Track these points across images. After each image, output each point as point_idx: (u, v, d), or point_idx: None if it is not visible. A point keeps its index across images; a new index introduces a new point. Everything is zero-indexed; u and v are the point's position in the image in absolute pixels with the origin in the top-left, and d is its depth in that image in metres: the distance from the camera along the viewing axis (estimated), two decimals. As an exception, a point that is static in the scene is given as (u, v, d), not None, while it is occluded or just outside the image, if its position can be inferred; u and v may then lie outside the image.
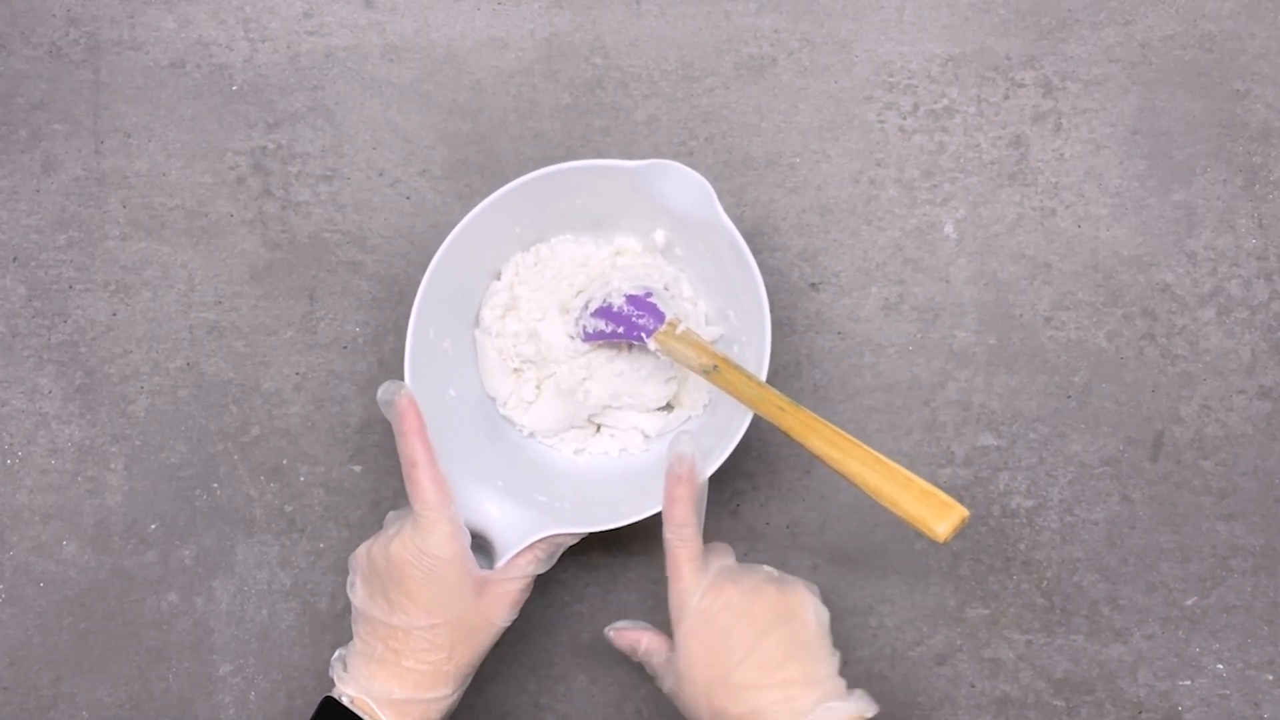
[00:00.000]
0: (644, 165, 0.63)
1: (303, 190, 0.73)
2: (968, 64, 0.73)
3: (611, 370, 0.67)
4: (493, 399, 0.70)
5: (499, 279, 0.69)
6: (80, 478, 0.72)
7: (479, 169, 0.73)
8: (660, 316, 0.65)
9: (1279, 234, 0.72)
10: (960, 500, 0.56)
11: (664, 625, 0.63)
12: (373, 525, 0.71)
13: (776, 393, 0.60)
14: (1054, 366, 0.72)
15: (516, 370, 0.69)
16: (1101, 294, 0.72)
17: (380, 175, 0.73)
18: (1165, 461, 0.71)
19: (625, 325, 0.65)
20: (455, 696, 0.61)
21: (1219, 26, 0.73)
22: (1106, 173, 0.73)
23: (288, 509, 0.72)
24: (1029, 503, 0.71)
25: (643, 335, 0.65)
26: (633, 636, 0.63)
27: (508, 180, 0.64)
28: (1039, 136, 0.73)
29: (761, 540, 0.71)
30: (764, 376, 0.62)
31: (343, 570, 0.71)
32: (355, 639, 0.61)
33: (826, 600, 0.61)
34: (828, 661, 0.58)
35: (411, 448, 0.61)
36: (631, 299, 0.66)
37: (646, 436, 0.69)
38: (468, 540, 0.61)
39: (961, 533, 0.70)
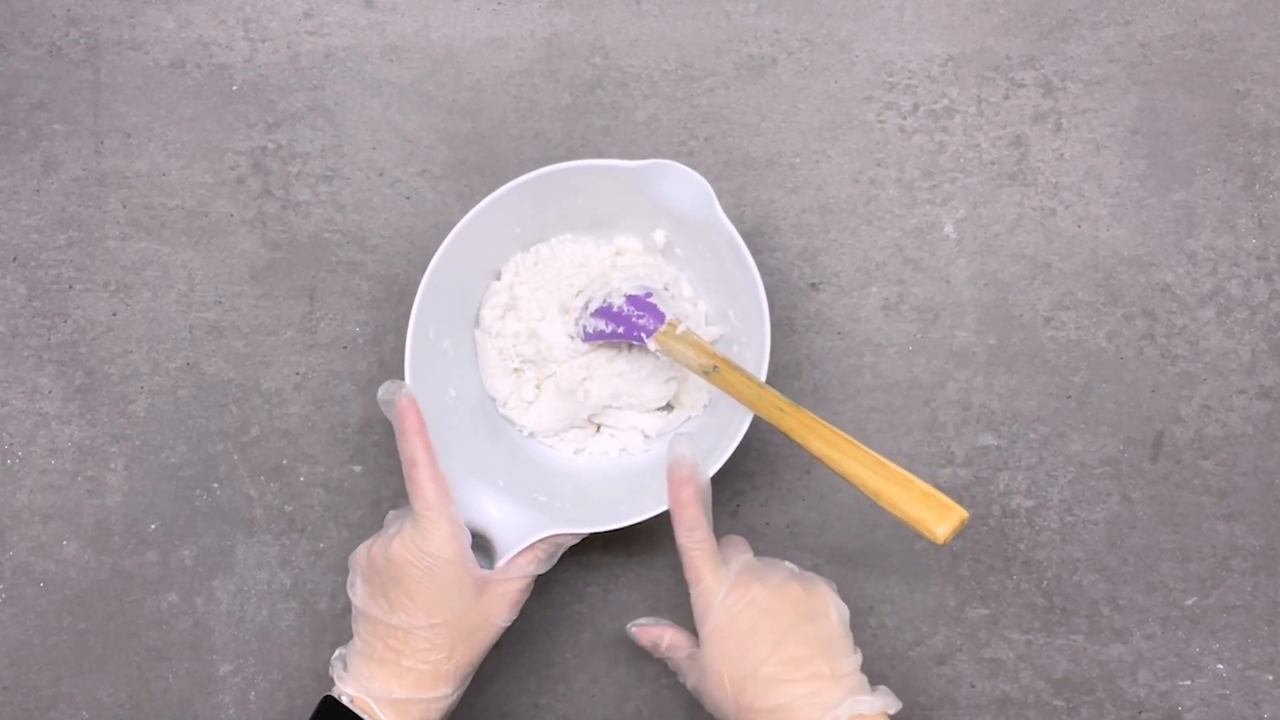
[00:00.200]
0: (644, 165, 0.63)
1: (303, 190, 0.73)
2: (968, 64, 0.73)
3: (611, 370, 0.67)
4: (493, 399, 0.70)
5: (499, 279, 0.69)
6: (80, 478, 0.72)
7: (479, 169, 0.73)
8: (660, 316, 0.65)
9: (1279, 234, 0.72)
10: (960, 500, 0.56)
11: (673, 621, 0.63)
12: (373, 525, 0.71)
13: (776, 393, 0.60)
14: (1054, 366, 0.72)
15: (516, 370, 0.69)
16: (1101, 294, 0.72)
17: (380, 175, 0.73)
18: (1165, 461, 0.71)
19: (625, 325, 0.65)
20: (455, 696, 0.61)
21: (1219, 26, 0.73)
22: (1106, 173, 0.73)
23: (288, 509, 0.72)
24: (1029, 503, 0.71)
25: (643, 335, 0.65)
26: (655, 633, 0.63)
27: (508, 180, 0.64)
28: (1039, 136, 0.73)
29: (761, 540, 0.71)
30: (764, 377, 0.62)
31: (343, 570, 0.71)
32: (355, 638, 0.61)
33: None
34: (851, 658, 0.59)
35: (412, 447, 0.61)
36: (631, 299, 0.66)
37: (646, 436, 0.69)
38: (468, 540, 0.61)
39: (961, 533, 0.70)
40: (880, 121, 0.73)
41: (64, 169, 0.73)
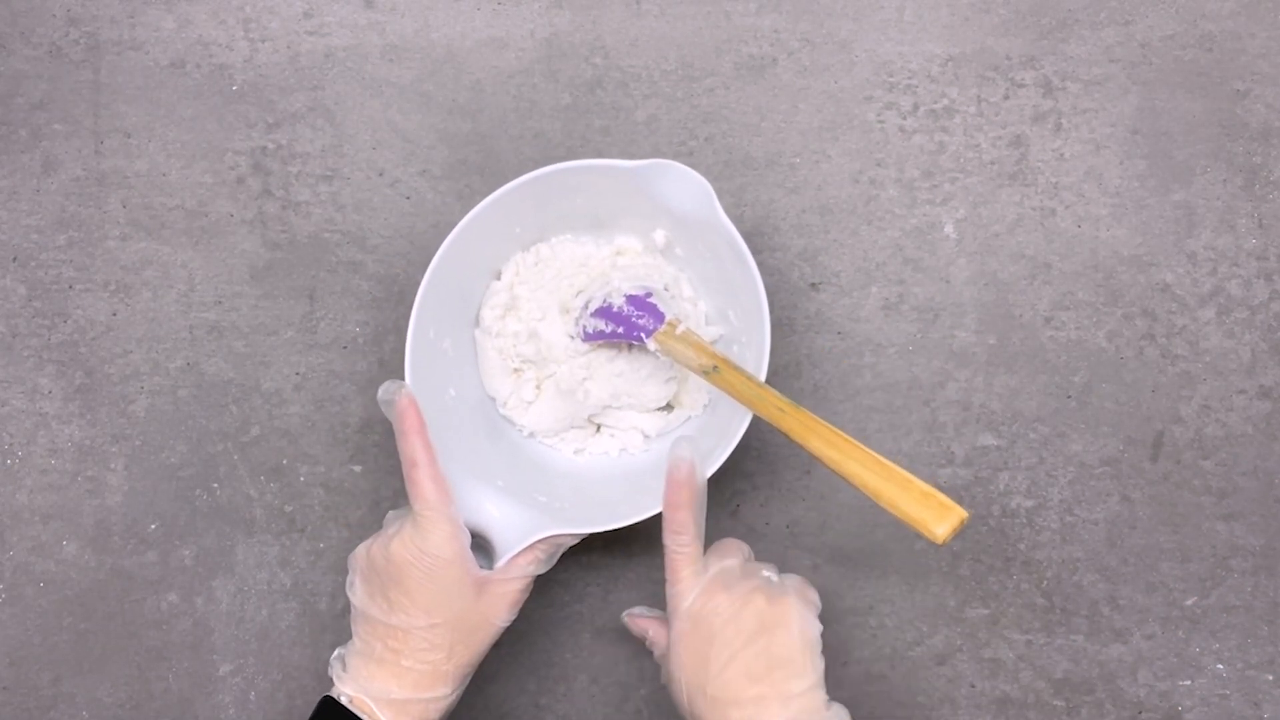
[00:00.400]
0: (644, 165, 0.63)
1: (303, 190, 0.73)
2: (968, 64, 0.73)
3: (611, 370, 0.67)
4: (493, 399, 0.70)
5: (499, 279, 0.69)
6: (80, 478, 0.72)
7: (479, 169, 0.73)
8: (660, 316, 0.65)
9: (1279, 234, 0.72)
10: (960, 500, 0.56)
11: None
12: (373, 525, 0.71)
13: (776, 393, 0.60)
14: (1054, 366, 0.72)
15: (516, 370, 0.69)
16: (1101, 294, 0.72)
17: (380, 175, 0.73)
18: (1165, 461, 0.71)
19: (625, 325, 0.65)
20: (454, 696, 0.61)
21: (1219, 26, 0.73)
22: (1106, 173, 0.73)
23: (288, 509, 0.72)
24: (1029, 503, 0.71)
25: (643, 335, 0.65)
26: (644, 624, 0.64)
27: (508, 180, 0.64)
28: (1039, 136, 0.73)
29: (761, 540, 0.71)
30: (764, 377, 0.62)
31: (343, 570, 0.71)
32: (354, 638, 0.61)
33: (826, 601, 0.61)
34: (807, 676, 0.58)
35: (412, 447, 0.61)
36: (631, 299, 0.66)
37: (646, 436, 0.69)
38: (468, 540, 0.61)
39: (961, 533, 0.70)
40: (880, 121, 0.73)
41: (64, 169, 0.73)
